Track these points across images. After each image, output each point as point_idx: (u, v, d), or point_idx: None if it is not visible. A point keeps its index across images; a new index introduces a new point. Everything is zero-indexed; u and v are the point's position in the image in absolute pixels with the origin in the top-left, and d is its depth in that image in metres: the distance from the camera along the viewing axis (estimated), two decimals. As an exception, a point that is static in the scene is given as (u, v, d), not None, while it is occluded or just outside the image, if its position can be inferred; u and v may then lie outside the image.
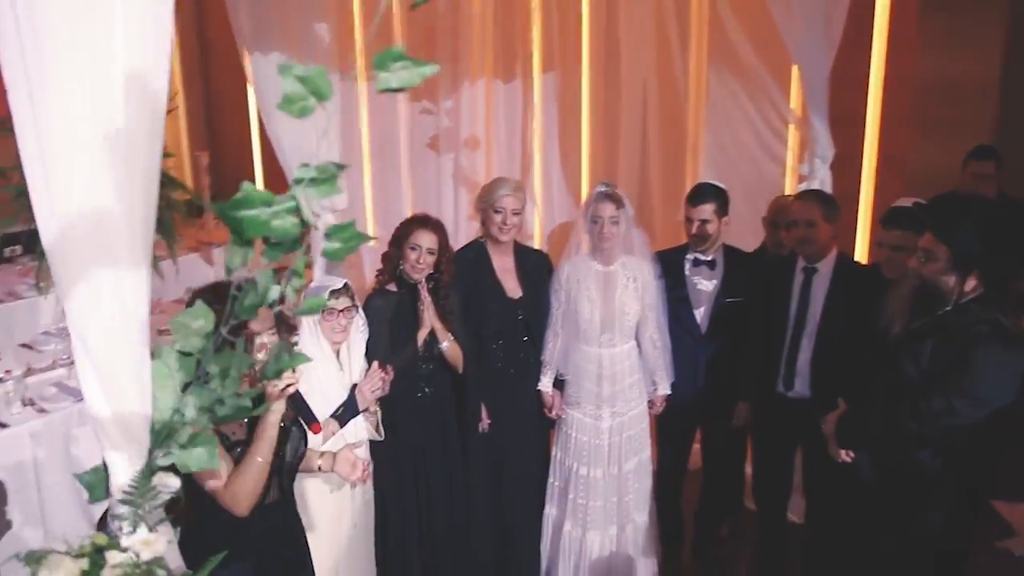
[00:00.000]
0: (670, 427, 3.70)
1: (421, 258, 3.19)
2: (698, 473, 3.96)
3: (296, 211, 1.59)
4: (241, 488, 2.18)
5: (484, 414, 3.47)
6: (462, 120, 4.52)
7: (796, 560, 3.66)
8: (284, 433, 2.35)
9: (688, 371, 3.55)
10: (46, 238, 1.53)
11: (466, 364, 3.33)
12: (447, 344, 3.25)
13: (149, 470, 1.72)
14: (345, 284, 2.94)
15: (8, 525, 3.26)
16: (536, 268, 3.56)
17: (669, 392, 3.52)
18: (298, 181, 1.62)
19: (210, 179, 5.74)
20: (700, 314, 3.54)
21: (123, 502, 1.68)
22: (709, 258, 3.53)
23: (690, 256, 3.55)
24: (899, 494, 2.64)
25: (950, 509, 2.63)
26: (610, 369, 3.39)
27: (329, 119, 3.76)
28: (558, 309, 3.44)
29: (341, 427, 2.90)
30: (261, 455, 2.18)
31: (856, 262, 3.66)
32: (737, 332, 3.49)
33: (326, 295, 2.87)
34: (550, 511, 3.61)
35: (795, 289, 3.38)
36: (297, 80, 1.37)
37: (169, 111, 1.61)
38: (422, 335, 3.21)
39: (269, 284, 1.65)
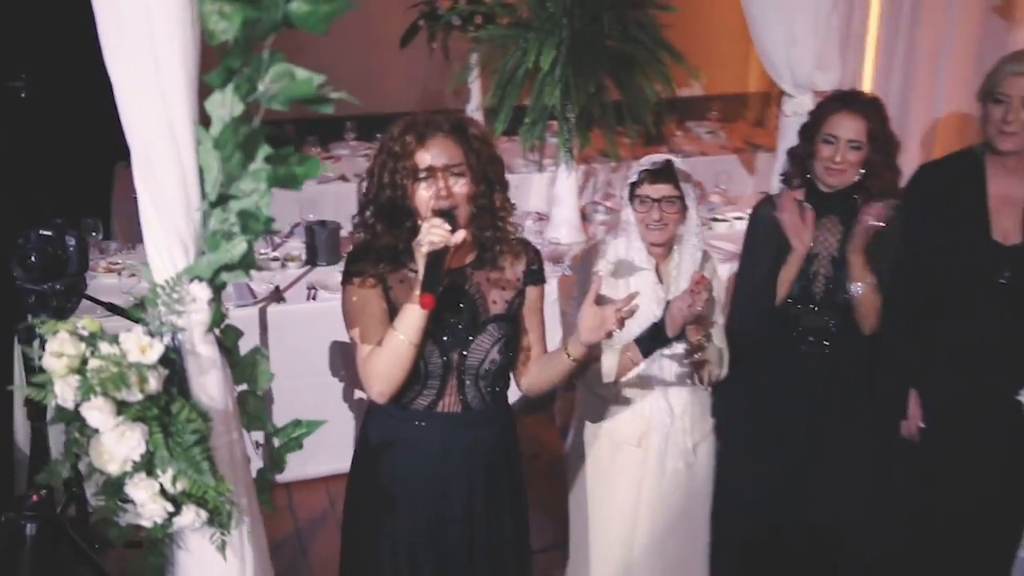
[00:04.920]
0: None
1: (840, 155, 2.53)
2: None
3: None
4: (373, 365, 2.05)
5: (916, 410, 2.67)
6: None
7: None
8: (471, 325, 2.12)
9: None
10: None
11: (886, 325, 2.57)
12: (862, 288, 2.55)
13: (188, 274, 1.73)
14: (668, 163, 2.46)
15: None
16: None
17: None
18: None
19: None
20: None
21: (144, 299, 1.72)
22: None
23: None
24: None
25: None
26: None
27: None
28: None
29: (644, 357, 2.46)
30: (403, 330, 1.99)
31: None
32: None
33: (635, 175, 2.47)
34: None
35: None
36: None
37: None
38: (796, 259, 2.59)
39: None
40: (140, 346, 1.66)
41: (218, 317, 1.75)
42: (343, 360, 3.66)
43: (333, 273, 3.82)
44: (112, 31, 1.56)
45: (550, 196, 4.24)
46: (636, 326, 2.45)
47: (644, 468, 2.60)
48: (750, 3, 3.27)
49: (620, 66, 3.83)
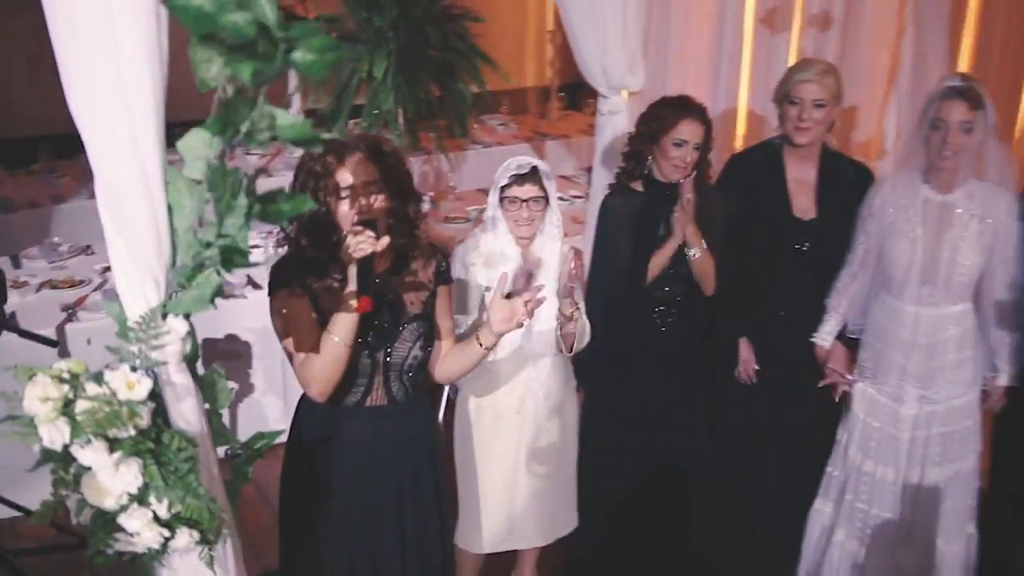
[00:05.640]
0: (1012, 432, 2.85)
1: (688, 155, 2.76)
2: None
3: (249, 6, 1.38)
4: (311, 367, 2.07)
5: (749, 355, 2.97)
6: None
7: None
8: (393, 325, 2.18)
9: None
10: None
11: (719, 288, 2.87)
12: (699, 252, 2.80)
13: (162, 310, 1.68)
14: (534, 168, 2.60)
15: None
16: (847, 186, 2.88)
17: (1011, 384, 2.69)
18: (252, -34, 1.40)
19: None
20: (1081, 279, 2.58)
21: (121, 335, 1.66)
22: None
23: (1080, 192, 2.59)
24: None
25: None
26: (927, 336, 2.68)
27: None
28: (863, 243, 2.76)
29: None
30: (338, 333, 2.03)
31: None
32: None
33: (505, 179, 2.59)
34: (822, 508, 3.01)
35: None
36: None
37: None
38: (672, 246, 2.80)
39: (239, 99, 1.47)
40: (127, 383, 1.62)
41: (195, 349, 1.73)
42: (213, 355, 3.57)
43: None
44: (75, 69, 1.48)
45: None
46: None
47: (522, 431, 2.75)
48: (569, 16, 3.45)
49: (443, 72, 3.93)
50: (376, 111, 3.77)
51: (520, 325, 2.23)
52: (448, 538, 2.49)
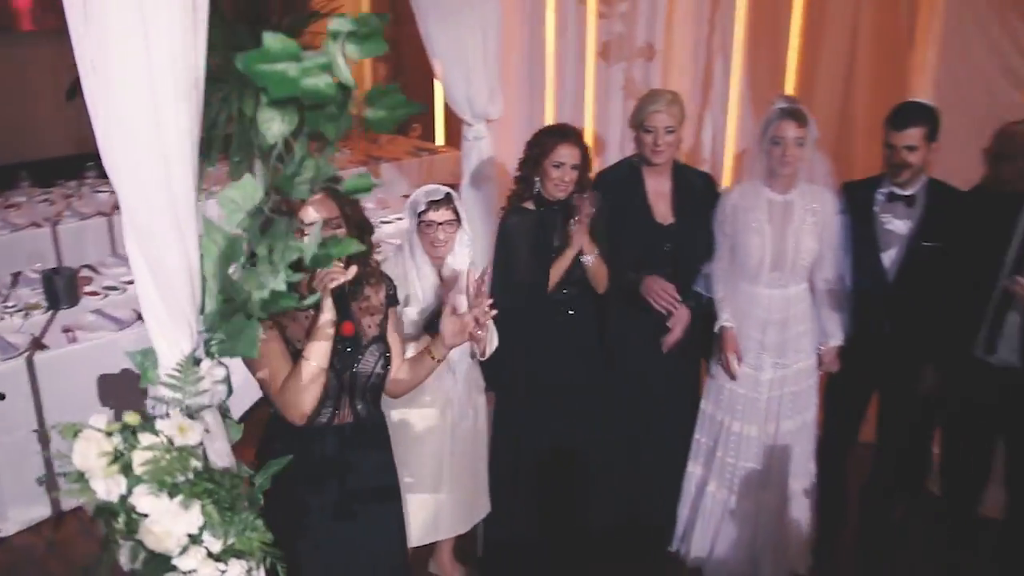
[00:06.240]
0: (841, 387, 3.30)
1: (567, 175, 2.97)
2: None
3: (330, 69, 1.46)
4: (292, 393, 2.10)
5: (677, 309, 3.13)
6: (638, 25, 4.16)
7: (986, 561, 3.18)
8: (355, 348, 2.25)
9: (867, 324, 3.12)
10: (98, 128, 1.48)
11: (609, 287, 3.12)
12: (593, 258, 3.02)
13: (196, 356, 1.68)
14: (447, 195, 2.76)
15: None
16: (697, 193, 3.23)
17: (841, 344, 3.13)
18: (333, 35, 1.48)
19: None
20: (888, 259, 3.08)
21: (166, 385, 1.65)
22: (908, 193, 3.04)
23: (884, 190, 3.08)
24: None
25: None
26: (779, 313, 3.07)
27: (487, 25, 3.59)
28: (723, 243, 3.10)
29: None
30: (315, 358, 2.08)
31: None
32: (932, 283, 3.00)
33: (422, 205, 2.73)
34: (694, 470, 3.36)
35: (1017, 236, 2.87)
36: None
37: None
38: (570, 255, 3.00)
39: (305, 154, 1.54)
40: (179, 428, 1.62)
41: (230, 390, 1.74)
42: (112, 388, 3.44)
43: (80, 314, 3.66)
44: (107, 108, 1.49)
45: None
46: (417, 315, 2.79)
47: (444, 429, 2.91)
48: (437, 52, 3.59)
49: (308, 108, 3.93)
50: (248, 145, 3.70)
51: (472, 338, 2.36)
52: (406, 540, 2.57)
